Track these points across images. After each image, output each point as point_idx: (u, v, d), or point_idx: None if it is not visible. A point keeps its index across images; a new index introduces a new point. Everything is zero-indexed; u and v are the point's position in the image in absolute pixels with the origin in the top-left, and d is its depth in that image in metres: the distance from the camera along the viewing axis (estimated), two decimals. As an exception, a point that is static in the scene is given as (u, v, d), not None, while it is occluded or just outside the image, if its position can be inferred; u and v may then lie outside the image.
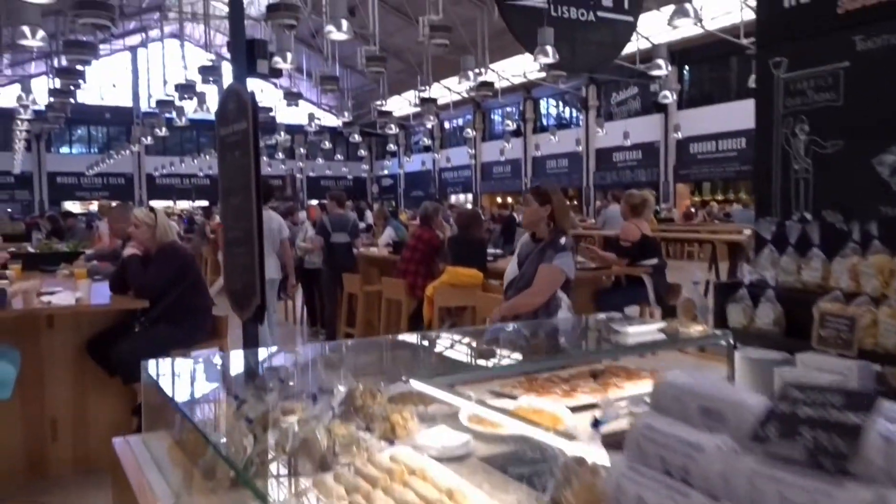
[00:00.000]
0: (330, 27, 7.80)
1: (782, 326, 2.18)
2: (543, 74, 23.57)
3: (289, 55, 9.46)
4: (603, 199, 25.66)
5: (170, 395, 1.74)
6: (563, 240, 3.37)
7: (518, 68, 24.93)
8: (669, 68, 11.76)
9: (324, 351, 2.82)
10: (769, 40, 2.35)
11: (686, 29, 19.83)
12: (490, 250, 6.46)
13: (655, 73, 11.50)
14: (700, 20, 8.35)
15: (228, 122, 1.79)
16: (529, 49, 10.43)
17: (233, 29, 2.36)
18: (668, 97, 14.65)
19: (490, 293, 4.90)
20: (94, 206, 31.65)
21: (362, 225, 10.17)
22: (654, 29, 19.97)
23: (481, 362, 2.22)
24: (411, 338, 3.15)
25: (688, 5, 7.22)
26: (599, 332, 2.67)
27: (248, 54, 1.98)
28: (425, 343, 2.61)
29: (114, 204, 9.67)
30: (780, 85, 2.31)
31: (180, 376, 1.97)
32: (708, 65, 21.55)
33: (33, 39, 7.15)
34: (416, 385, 1.79)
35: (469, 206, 26.38)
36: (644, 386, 2.08)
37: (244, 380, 2.02)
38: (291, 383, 1.73)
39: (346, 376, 1.70)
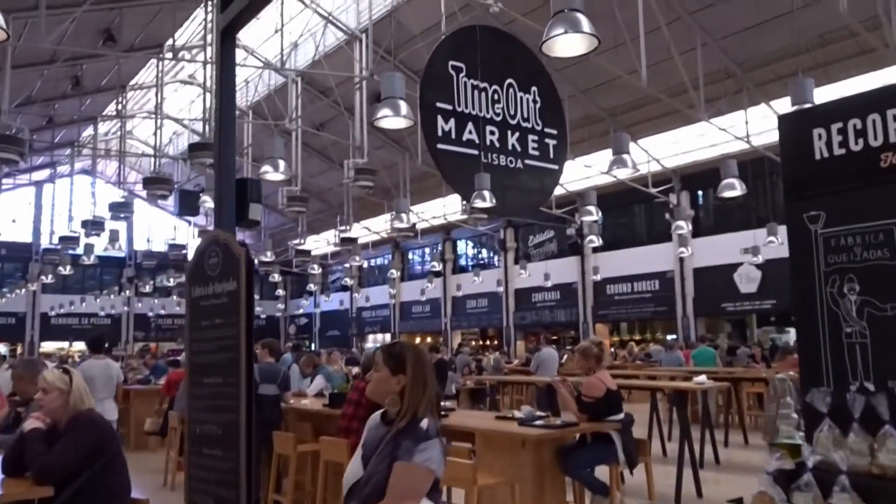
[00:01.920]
0: (266, 167, 7.56)
1: (864, 522, 1.84)
2: (463, 216, 24.20)
3: (209, 201, 9.09)
4: (528, 340, 25.74)
5: None
6: (424, 423, 2.30)
7: (437, 210, 25.49)
8: (600, 214, 12.12)
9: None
10: (801, 193, 2.18)
11: (599, 178, 21.03)
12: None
13: (587, 218, 11.81)
14: (627, 167, 8.69)
15: (207, 280, 1.48)
16: (461, 192, 10.50)
17: (220, 165, 1.95)
18: (595, 241, 15.09)
19: (448, 456, 4.39)
20: (-24, 349, 28.94)
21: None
22: (566, 176, 20.99)
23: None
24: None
25: (626, 156, 7.45)
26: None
27: (239, 197, 1.60)
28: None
29: (16, 358, 8.64)
30: (820, 240, 2.12)
31: None
32: (620, 210, 22.67)
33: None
34: None
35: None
36: None
37: None
38: None
39: None
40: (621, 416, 4.83)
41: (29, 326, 31.42)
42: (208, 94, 18.05)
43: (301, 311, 37.00)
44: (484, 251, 29.48)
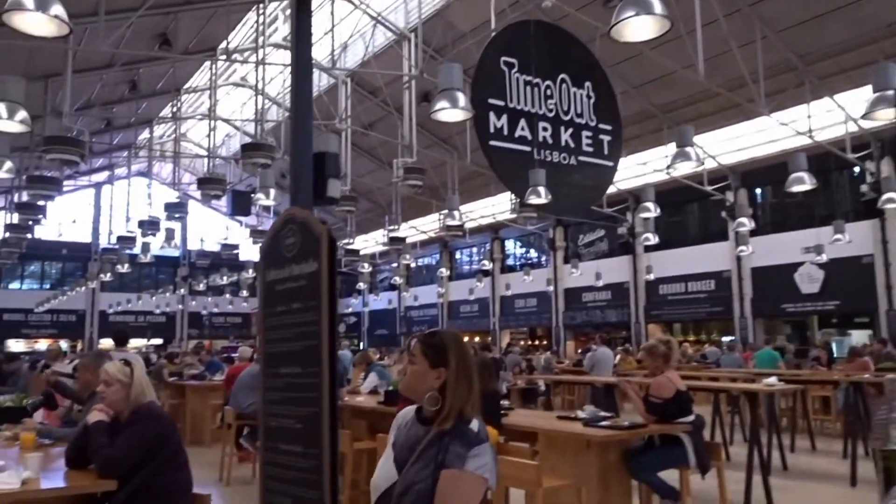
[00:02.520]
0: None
1: None
2: (512, 216, 23.98)
3: (272, 192, 9.13)
4: (578, 340, 25.37)
5: None
6: (474, 425, 1.99)
7: (485, 209, 25.33)
8: (658, 210, 11.77)
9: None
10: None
11: (652, 175, 20.56)
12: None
13: (644, 214, 11.49)
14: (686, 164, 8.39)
15: (283, 261, 1.29)
16: (513, 190, 10.35)
17: (296, 137, 1.80)
18: (651, 238, 14.72)
19: (509, 455, 4.24)
20: (39, 345, 29.98)
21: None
22: (617, 174, 20.58)
23: None
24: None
25: (690, 149, 7.16)
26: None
27: (317, 172, 1.47)
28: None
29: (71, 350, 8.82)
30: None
31: None
32: (673, 209, 22.15)
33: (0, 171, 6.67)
34: None
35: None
36: None
37: None
38: None
39: None
40: (692, 417, 4.61)
41: (88, 323, 32.40)
42: (260, 97, 18.27)
43: (350, 310, 37.28)
44: (532, 250, 29.22)
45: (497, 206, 24.41)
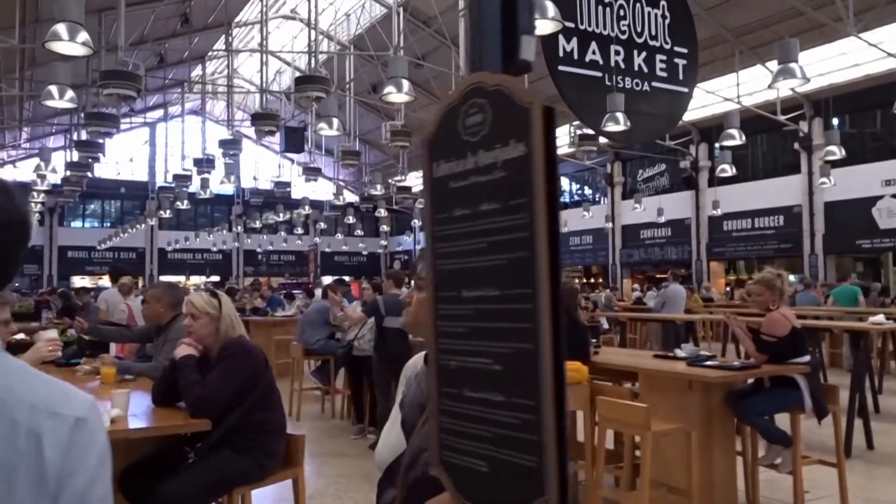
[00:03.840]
0: (390, 87, 7.11)
1: None
2: (570, 149, 23.20)
3: (335, 121, 8.78)
4: (635, 278, 24.78)
5: None
6: None
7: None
8: (743, 138, 11.04)
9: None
10: None
11: (716, 106, 19.48)
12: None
13: (729, 143, 10.80)
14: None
15: (463, 149, 0.93)
16: (583, 118, 9.79)
17: None
18: (728, 170, 13.98)
19: (603, 395, 3.94)
20: (102, 281, 30.89)
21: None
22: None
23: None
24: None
25: (794, 65, 6.49)
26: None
27: (505, 27, 1.11)
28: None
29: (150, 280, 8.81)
30: None
31: None
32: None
33: (60, 100, 6.48)
34: None
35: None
36: None
37: None
38: None
39: None
40: (807, 358, 4.20)
41: (148, 261, 33.18)
42: (312, 31, 17.76)
43: (401, 247, 37.29)
44: (586, 187, 28.50)
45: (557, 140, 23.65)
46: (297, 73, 21.51)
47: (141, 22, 18.72)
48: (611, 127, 8.07)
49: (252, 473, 2.85)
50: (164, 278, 32.99)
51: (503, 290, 0.93)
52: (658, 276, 21.39)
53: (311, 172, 22.21)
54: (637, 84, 9.18)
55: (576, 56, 8.67)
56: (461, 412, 1.00)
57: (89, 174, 18.92)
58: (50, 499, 0.89)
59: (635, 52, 9.21)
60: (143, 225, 28.36)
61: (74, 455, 0.91)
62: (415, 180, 30.36)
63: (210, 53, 25.05)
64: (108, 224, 33.85)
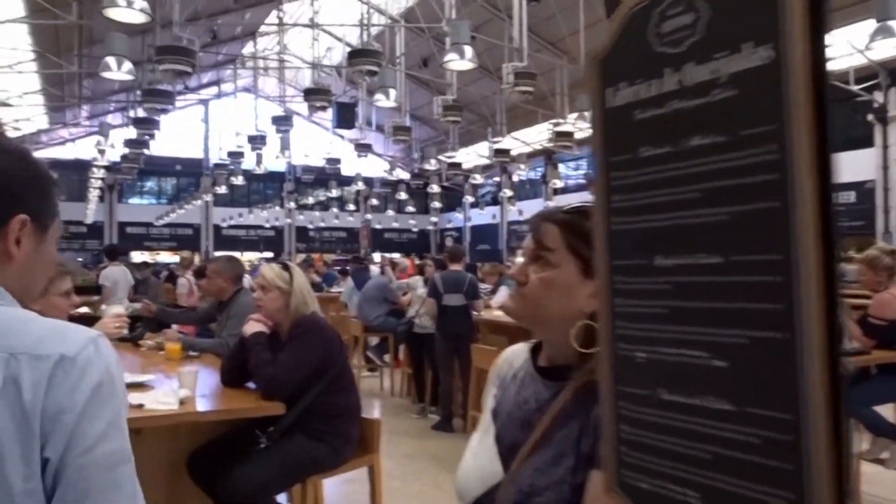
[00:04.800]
0: (452, 55, 6.83)
1: None
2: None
3: (392, 91, 8.55)
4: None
5: None
6: None
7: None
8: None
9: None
10: None
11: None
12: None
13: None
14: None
15: (657, 65, 0.69)
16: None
17: None
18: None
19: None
20: (160, 256, 31.61)
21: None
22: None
23: None
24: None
25: (893, 23, 5.94)
26: None
27: None
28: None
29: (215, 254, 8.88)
30: None
31: None
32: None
33: (118, 71, 6.40)
34: None
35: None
36: None
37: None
38: None
39: None
40: (919, 343, 3.82)
41: (203, 237, 33.79)
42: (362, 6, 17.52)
43: (451, 224, 37.10)
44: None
45: (609, 114, 23.06)
46: (348, 49, 21.38)
47: (194, -2, 18.75)
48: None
49: (327, 460, 2.68)
50: (218, 253, 33.57)
51: (729, 257, 0.67)
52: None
53: (362, 149, 22.10)
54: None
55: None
56: (653, 421, 0.75)
57: (146, 151, 19.22)
58: (39, 440, 0.83)
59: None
60: (199, 201, 28.82)
61: (59, 393, 0.85)
62: (465, 156, 30.02)
63: (261, 29, 25.06)
64: (165, 201, 34.55)
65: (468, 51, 6.83)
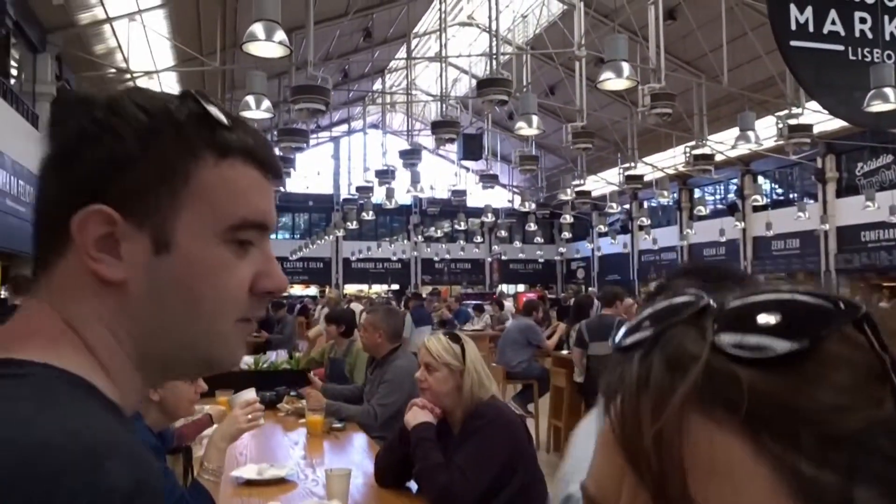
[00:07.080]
0: (608, 74, 6.24)
1: None
2: (773, 143, 20.76)
3: (534, 118, 8.06)
4: (854, 286, 21.69)
5: None
6: None
7: (732, 140, 22.33)
8: None
9: None
10: None
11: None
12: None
13: None
14: None
15: None
16: (822, 101, 8.33)
17: None
18: None
19: None
20: (294, 290, 32.65)
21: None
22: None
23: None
24: None
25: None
26: None
27: None
28: None
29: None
30: None
31: None
32: None
33: (257, 110, 6.31)
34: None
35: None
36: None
37: None
38: None
39: None
40: None
41: (334, 270, 34.65)
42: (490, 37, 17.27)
43: (578, 254, 35.96)
44: (790, 185, 25.60)
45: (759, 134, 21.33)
46: (474, 80, 21.24)
47: (326, 39, 19.31)
48: (877, 107, 6.59)
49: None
50: (348, 287, 34.30)
51: None
52: (885, 283, 18.54)
53: (488, 179, 21.78)
54: (889, 56, 7.66)
55: (811, 28, 7.40)
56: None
57: (282, 189, 19.86)
58: None
59: (887, 17, 7.73)
60: (330, 236, 29.58)
61: None
62: (592, 184, 29.03)
63: (390, 65, 25.54)
64: (298, 236, 35.82)
65: (625, 67, 6.22)
